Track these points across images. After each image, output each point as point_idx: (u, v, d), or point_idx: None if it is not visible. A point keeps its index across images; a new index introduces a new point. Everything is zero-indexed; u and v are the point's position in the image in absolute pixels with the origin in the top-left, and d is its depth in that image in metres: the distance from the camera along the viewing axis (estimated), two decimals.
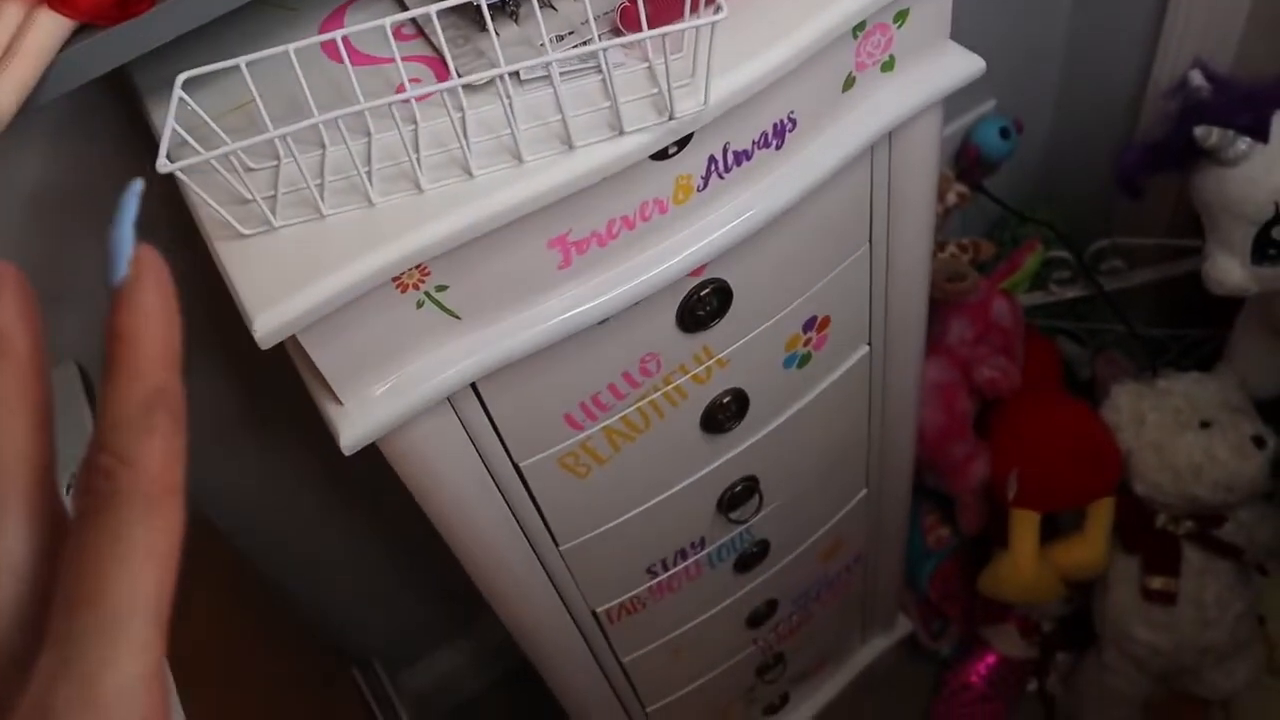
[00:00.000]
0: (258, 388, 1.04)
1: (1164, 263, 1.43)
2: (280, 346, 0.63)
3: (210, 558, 1.01)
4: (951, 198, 1.33)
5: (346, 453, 0.62)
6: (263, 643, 1.03)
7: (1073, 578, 1.33)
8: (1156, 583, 1.30)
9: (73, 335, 0.91)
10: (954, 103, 0.78)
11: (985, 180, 1.40)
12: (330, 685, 1.18)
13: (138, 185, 0.28)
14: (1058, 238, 1.44)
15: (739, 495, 0.91)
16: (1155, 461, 1.26)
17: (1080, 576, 1.34)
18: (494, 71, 0.53)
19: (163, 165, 0.52)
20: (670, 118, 0.56)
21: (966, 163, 1.38)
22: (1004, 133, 1.36)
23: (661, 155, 0.60)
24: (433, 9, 0.55)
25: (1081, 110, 1.47)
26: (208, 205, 0.56)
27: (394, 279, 0.57)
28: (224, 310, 0.94)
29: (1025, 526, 1.30)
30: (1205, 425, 1.25)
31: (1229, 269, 1.11)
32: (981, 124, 1.37)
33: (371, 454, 0.70)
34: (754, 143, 0.64)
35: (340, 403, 0.62)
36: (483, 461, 0.72)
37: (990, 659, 1.53)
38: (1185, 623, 1.29)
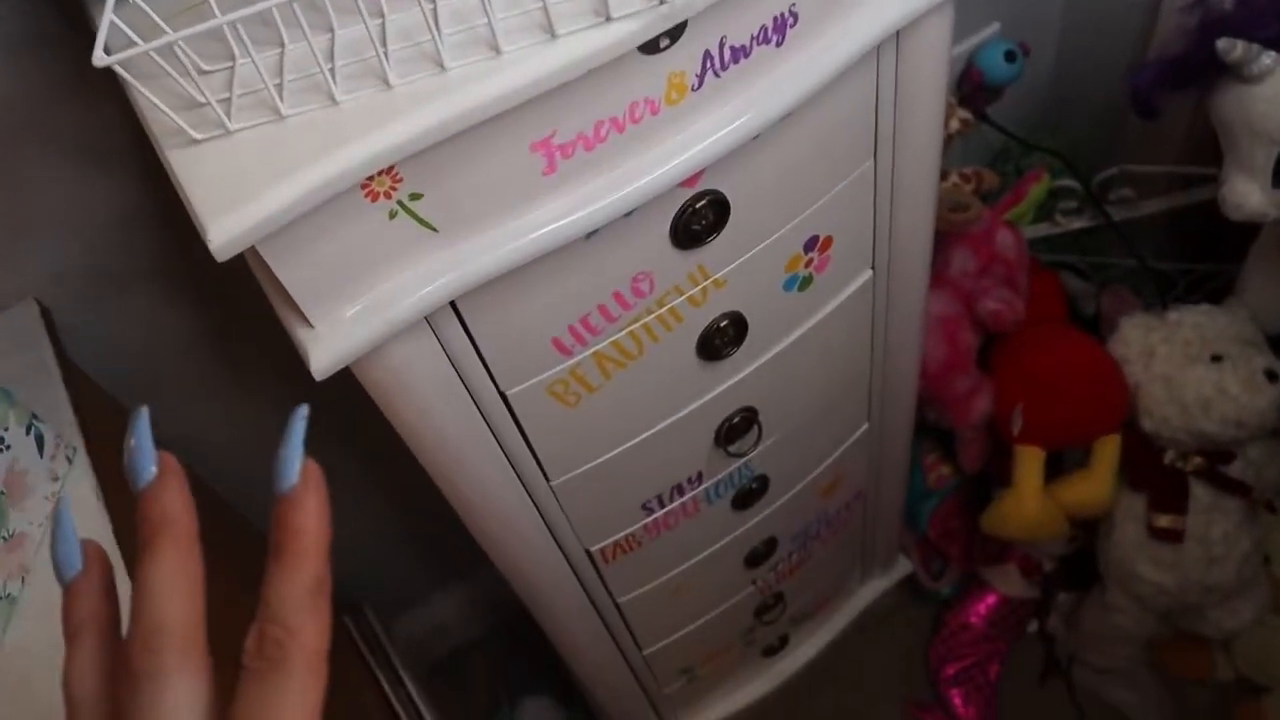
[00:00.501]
0: (228, 318, 0.99)
1: (1175, 192, 1.38)
2: (246, 269, 0.59)
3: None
4: (954, 124, 1.27)
5: (318, 378, 0.58)
6: (248, 589, 0.99)
7: (1078, 515, 1.30)
8: (1163, 520, 1.26)
9: (33, 271, 0.87)
10: (957, 24, 0.73)
11: (989, 107, 1.35)
12: None
13: (304, 410, 0.35)
14: (1065, 165, 1.38)
15: (737, 427, 0.87)
16: (1164, 396, 1.22)
17: (1085, 514, 1.30)
18: None
19: (99, 59, 0.47)
20: (661, 2, 0.51)
21: (970, 88, 1.33)
22: (1009, 56, 1.30)
23: (652, 48, 0.55)
24: None
25: (1090, 31, 1.41)
26: (157, 110, 0.51)
27: (363, 186, 0.53)
28: (185, 235, 0.90)
29: (1030, 463, 1.27)
30: (1216, 359, 1.21)
31: (1248, 193, 1.06)
32: (986, 47, 1.31)
33: (355, 390, 0.66)
34: (752, 38, 0.59)
35: (310, 325, 0.58)
36: (466, 388, 0.67)
37: (990, 599, 1.50)
38: (1191, 561, 1.27)
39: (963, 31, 1.32)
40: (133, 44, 0.49)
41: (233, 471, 1.10)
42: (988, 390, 1.27)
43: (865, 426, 1.08)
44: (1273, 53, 0.98)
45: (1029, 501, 1.27)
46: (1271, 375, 1.19)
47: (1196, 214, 1.38)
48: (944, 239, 1.27)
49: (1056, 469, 1.31)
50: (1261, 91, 1.00)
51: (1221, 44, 0.98)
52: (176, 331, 0.97)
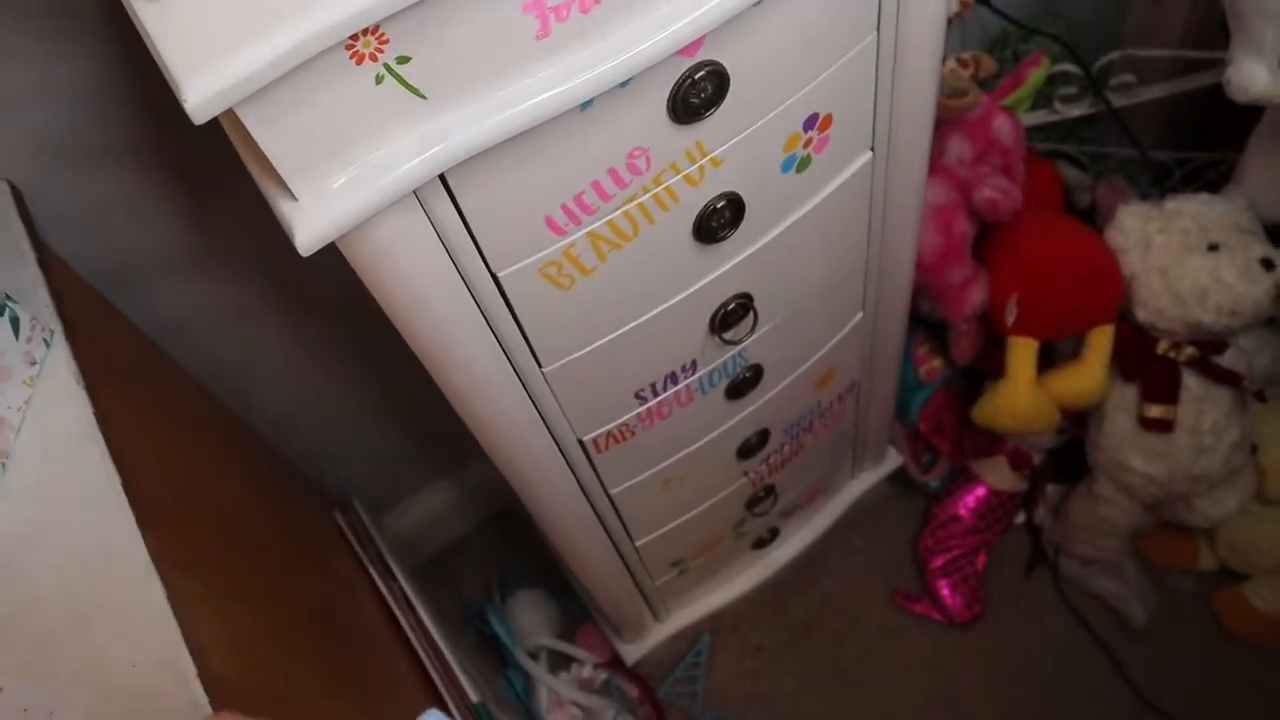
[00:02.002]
0: (210, 199, 0.96)
1: (1177, 77, 1.35)
2: (228, 146, 0.57)
3: (171, 391, 0.96)
4: (953, 5, 1.23)
5: (304, 253, 0.56)
6: (237, 479, 0.99)
7: (1070, 406, 1.30)
8: (1154, 411, 1.26)
9: (3, 151, 0.83)
10: None
11: None
12: (310, 526, 1.15)
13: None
14: (1064, 49, 1.35)
15: (733, 314, 0.86)
16: (1159, 286, 1.21)
17: (1078, 405, 1.30)
18: None
19: None
20: None
21: None
22: None
23: None
24: None
25: None
26: None
27: (347, 46, 0.50)
28: (162, 110, 0.86)
29: (1023, 354, 1.26)
30: (1213, 248, 1.20)
31: (1254, 74, 1.04)
32: None
33: (339, 270, 0.64)
34: None
35: (294, 197, 0.55)
36: (457, 269, 0.65)
37: (979, 491, 1.51)
38: (1181, 450, 1.27)
39: None
40: None
41: (208, 354, 1.08)
42: (983, 281, 1.25)
43: (860, 316, 1.07)
44: None
45: (1021, 392, 1.27)
46: (1268, 264, 1.18)
47: (1197, 101, 1.35)
48: (940, 125, 1.24)
49: (1049, 361, 1.30)
50: None
51: None
52: (153, 212, 0.93)
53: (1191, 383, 1.25)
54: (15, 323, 0.68)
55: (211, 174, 0.90)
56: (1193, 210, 1.23)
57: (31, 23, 0.78)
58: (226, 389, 1.13)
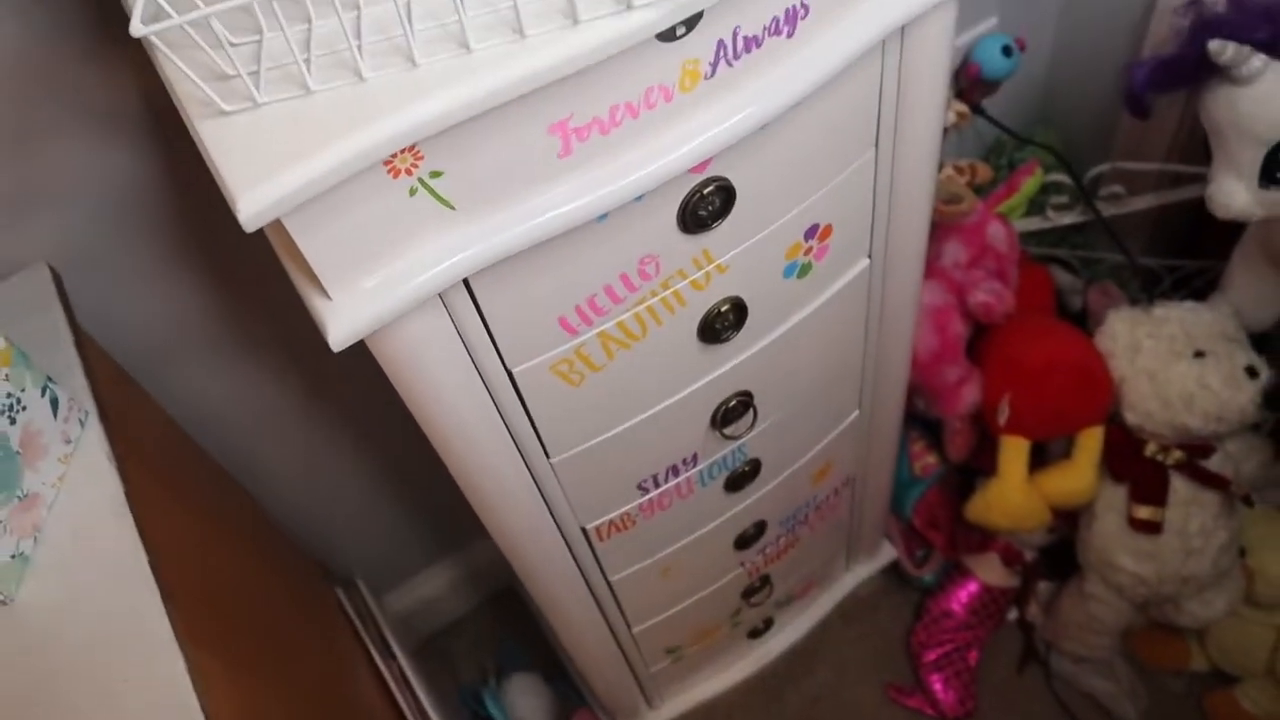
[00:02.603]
0: (238, 291, 1.00)
1: (1165, 189, 1.41)
2: (263, 242, 0.61)
3: (192, 468, 0.99)
4: (950, 116, 1.29)
5: (335, 349, 0.60)
6: (250, 556, 1.01)
7: (1060, 505, 1.33)
8: (1143, 512, 1.29)
9: (46, 236, 0.88)
10: (956, 19, 0.74)
11: (985, 101, 1.37)
12: (315, 603, 1.17)
13: None
14: (1057, 160, 1.41)
15: (733, 410, 0.89)
16: (1148, 390, 1.25)
17: (1068, 504, 1.33)
18: None
19: (136, 29, 0.49)
20: None
21: (966, 81, 1.35)
22: (1006, 51, 1.32)
23: (669, 36, 0.56)
24: None
25: (1085, 30, 1.43)
26: (187, 80, 0.53)
27: (386, 162, 0.54)
28: (200, 205, 0.91)
29: (1015, 453, 1.30)
30: (1199, 355, 1.24)
31: (1234, 191, 1.09)
32: (983, 41, 1.33)
33: (357, 360, 0.68)
34: (765, 29, 0.61)
35: (328, 297, 0.59)
36: (474, 365, 0.69)
37: (972, 587, 1.53)
38: (1169, 552, 1.29)
39: (961, 25, 1.33)
40: (165, 14, 0.50)
41: (226, 433, 1.12)
42: (976, 380, 1.29)
43: (856, 414, 1.10)
44: (1263, 55, 1.00)
45: (1013, 491, 1.30)
46: (1252, 372, 1.22)
47: (1184, 211, 1.41)
48: (937, 230, 1.29)
49: (1040, 460, 1.33)
50: (1251, 93, 1.03)
51: (1213, 45, 1.00)
52: (186, 300, 0.98)
53: (1180, 485, 1.28)
54: (55, 403, 0.71)
55: (243, 267, 0.94)
56: (1180, 317, 1.27)
57: (84, 118, 0.83)
58: (240, 465, 1.16)
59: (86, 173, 0.86)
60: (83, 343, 0.82)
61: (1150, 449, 1.29)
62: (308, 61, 0.54)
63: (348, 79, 0.53)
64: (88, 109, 0.83)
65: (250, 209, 0.50)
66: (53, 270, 0.87)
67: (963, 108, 1.29)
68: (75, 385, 0.76)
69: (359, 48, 0.54)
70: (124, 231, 0.90)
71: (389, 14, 0.55)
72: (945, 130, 1.28)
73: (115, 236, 0.90)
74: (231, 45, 0.56)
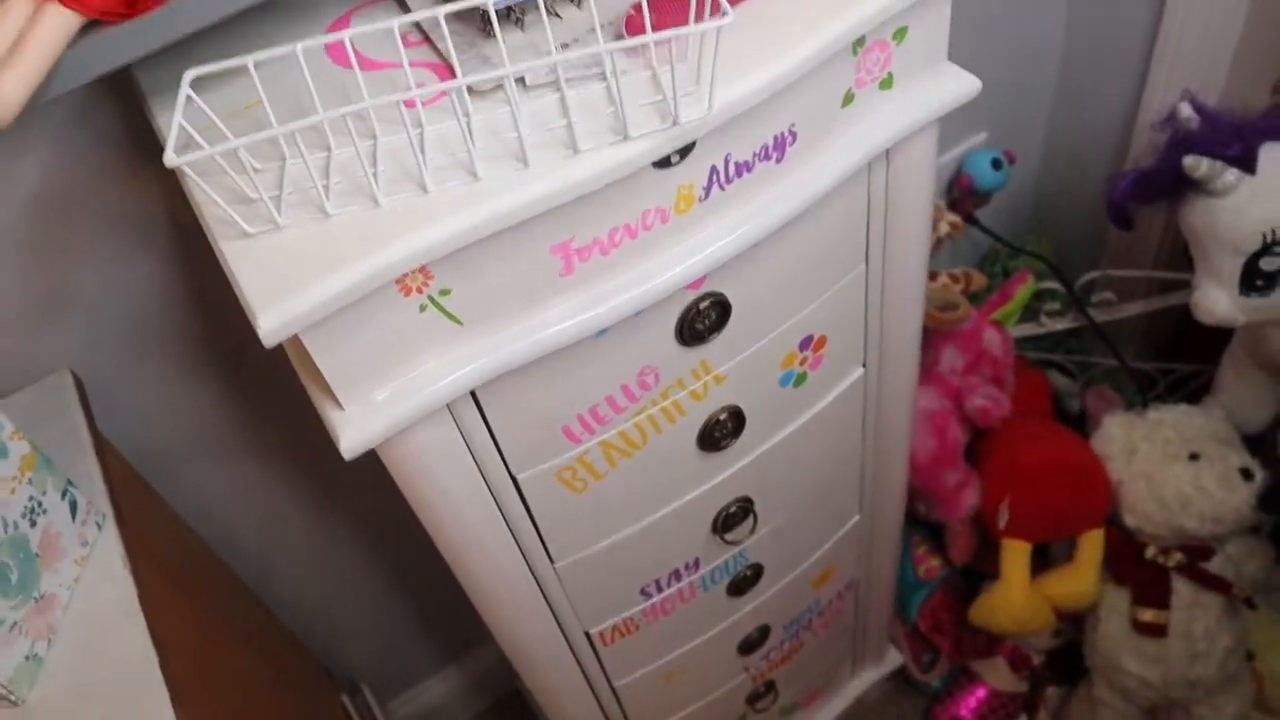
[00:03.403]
0: (251, 397, 1.03)
1: (1154, 295, 1.45)
2: (277, 352, 0.64)
3: (202, 571, 1.00)
4: (943, 228, 1.34)
5: (347, 458, 0.62)
6: (257, 659, 1.02)
7: (1064, 608, 1.33)
8: (1146, 615, 1.29)
9: (69, 343, 0.91)
10: (946, 133, 0.79)
11: (977, 211, 1.42)
12: (321, 708, 1.17)
13: None
14: (1049, 269, 1.45)
15: (734, 516, 0.91)
16: (1145, 492, 1.27)
17: (1071, 607, 1.33)
18: (501, 72, 0.53)
19: (170, 160, 0.52)
20: (674, 124, 0.57)
21: (959, 193, 1.40)
22: (995, 164, 1.37)
23: (664, 163, 0.60)
24: (440, 11, 0.56)
25: (1072, 143, 1.49)
26: (213, 203, 0.56)
27: (397, 281, 0.57)
28: (218, 316, 0.95)
29: (1016, 556, 1.30)
30: (1194, 457, 1.26)
31: (1217, 299, 1.12)
32: (973, 155, 1.38)
33: (365, 465, 0.70)
34: (755, 155, 0.65)
35: (341, 407, 0.62)
36: (480, 472, 0.71)
37: (980, 692, 1.52)
38: (1175, 655, 1.29)
39: (952, 140, 1.40)
40: (196, 144, 0.54)
41: (235, 535, 1.13)
42: (975, 484, 1.31)
43: (856, 518, 1.12)
44: (1235, 170, 1.05)
45: (1016, 594, 1.30)
46: (1246, 473, 1.23)
47: (1174, 316, 1.44)
48: (933, 336, 1.32)
49: (1043, 562, 1.34)
50: (1226, 204, 1.07)
51: (1188, 160, 1.05)
52: (200, 405, 1.01)
53: (1181, 588, 1.29)
54: (74, 506, 0.74)
55: (255, 372, 0.97)
56: (1174, 420, 1.29)
57: (111, 229, 0.87)
58: (249, 567, 1.17)
59: (111, 282, 0.90)
60: (101, 447, 0.85)
61: (1150, 551, 1.29)
62: (326, 187, 0.58)
63: (364, 203, 0.57)
64: (115, 221, 0.87)
65: (270, 325, 0.53)
66: (75, 376, 0.90)
67: (955, 219, 1.34)
68: (93, 489, 0.79)
69: (375, 175, 0.58)
70: (144, 338, 0.94)
71: (403, 144, 0.59)
72: (939, 240, 1.33)
73: (135, 343, 0.94)
74: (255, 170, 0.60)
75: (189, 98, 0.55)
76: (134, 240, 0.89)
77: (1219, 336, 1.30)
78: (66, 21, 0.55)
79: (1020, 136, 1.47)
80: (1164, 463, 1.26)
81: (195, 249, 0.90)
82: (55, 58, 0.55)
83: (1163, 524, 1.26)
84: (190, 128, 0.55)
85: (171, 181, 0.86)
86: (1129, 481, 1.28)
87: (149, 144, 0.83)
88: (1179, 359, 1.53)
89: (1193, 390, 1.51)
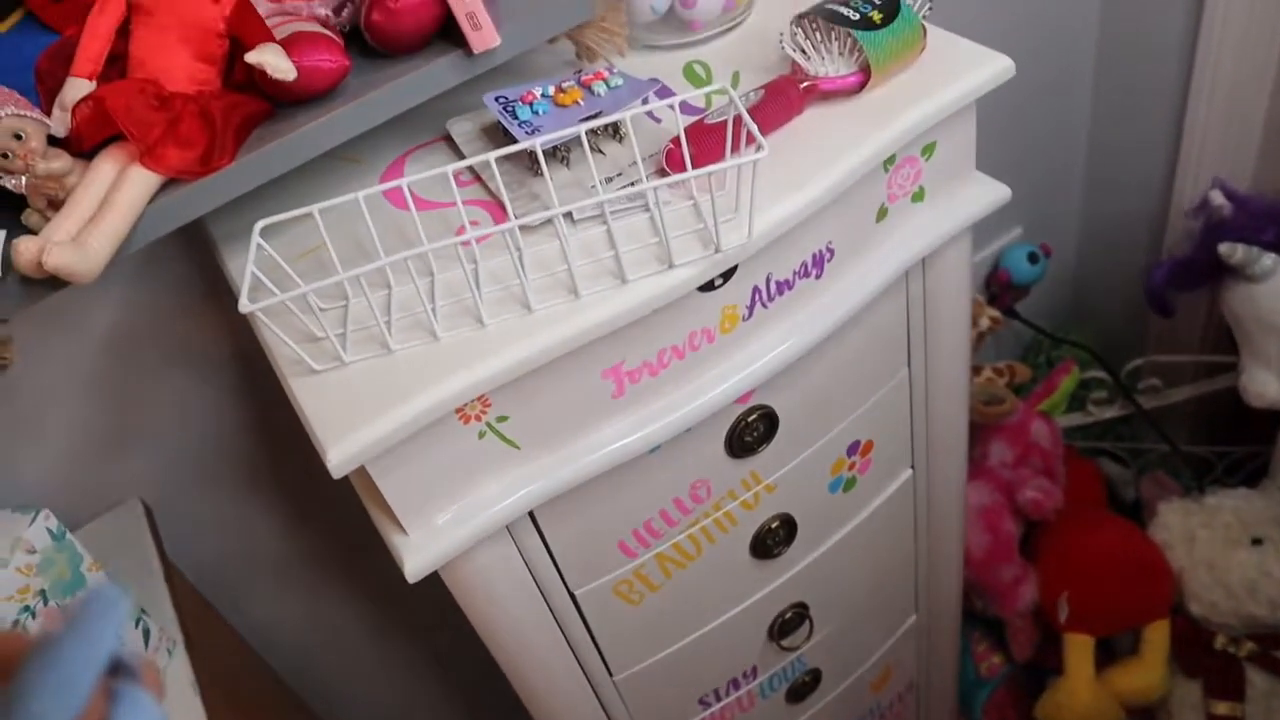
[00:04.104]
0: (313, 521, 1.06)
1: (1201, 379, 1.44)
2: (339, 481, 0.66)
3: (265, 692, 1.02)
4: (984, 323, 1.35)
5: (411, 580, 0.64)
6: None
7: (1132, 704, 1.30)
8: (1221, 708, 1.26)
9: (139, 472, 0.95)
10: (982, 230, 0.81)
11: (1017, 304, 1.43)
12: None
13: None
14: (1093, 358, 1.45)
15: (790, 622, 0.91)
16: (1209, 580, 1.25)
17: (1140, 702, 1.30)
18: (551, 212, 0.56)
19: (244, 306, 0.56)
20: (716, 251, 0.59)
21: (997, 288, 1.41)
22: (1032, 258, 1.39)
23: (708, 287, 0.63)
24: (491, 156, 0.60)
25: (1107, 232, 1.51)
26: (282, 343, 0.59)
27: (457, 410, 0.60)
28: (281, 444, 0.98)
29: (1079, 651, 1.28)
30: (1257, 542, 1.24)
31: (1266, 382, 1.12)
32: (1010, 250, 1.40)
33: (424, 583, 0.72)
34: (795, 273, 0.67)
35: (405, 532, 0.64)
36: (539, 589, 0.73)
37: None
38: None
39: (988, 236, 1.42)
40: (265, 286, 0.57)
41: (304, 663, 1.15)
42: (1032, 578, 1.30)
43: (913, 618, 1.11)
44: (1272, 254, 1.06)
45: (1081, 690, 1.28)
46: None
47: (1225, 398, 1.43)
48: (981, 431, 1.32)
49: (1109, 654, 1.32)
50: (1267, 289, 1.08)
51: (1223, 248, 1.06)
52: (264, 529, 1.04)
53: (1256, 677, 1.25)
54: (146, 634, 0.76)
55: (316, 496, 1.00)
56: (1233, 505, 1.28)
57: (182, 364, 0.91)
58: (309, 685, 1.18)
59: (178, 413, 0.94)
60: (170, 574, 0.87)
61: (1220, 641, 1.27)
62: (388, 323, 0.61)
63: (424, 338, 0.60)
64: (182, 356, 0.91)
65: (339, 459, 0.56)
66: (145, 504, 0.93)
67: (996, 314, 1.35)
68: (164, 616, 0.81)
69: (433, 310, 0.61)
70: (210, 466, 0.97)
71: (459, 279, 0.62)
72: (981, 335, 1.34)
73: (201, 471, 0.97)
74: (321, 310, 0.63)
75: (258, 245, 0.59)
76: (200, 373, 0.93)
77: (1273, 416, 1.29)
78: (148, 181, 0.60)
79: (1055, 229, 1.49)
80: (1226, 549, 1.24)
81: (259, 380, 0.94)
82: (138, 214, 0.59)
83: (1230, 612, 1.23)
84: (260, 274, 0.59)
85: (235, 317, 0.91)
86: (1191, 569, 1.26)
87: (215, 282, 0.88)
88: (1233, 441, 1.51)
89: (1251, 472, 1.49)
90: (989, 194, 0.75)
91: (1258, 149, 1.25)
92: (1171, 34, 1.23)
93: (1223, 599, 1.24)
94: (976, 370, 1.37)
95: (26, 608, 0.70)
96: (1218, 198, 1.14)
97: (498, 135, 0.71)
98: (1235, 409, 1.45)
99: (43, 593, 0.71)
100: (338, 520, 1.02)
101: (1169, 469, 1.52)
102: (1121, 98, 1.36)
